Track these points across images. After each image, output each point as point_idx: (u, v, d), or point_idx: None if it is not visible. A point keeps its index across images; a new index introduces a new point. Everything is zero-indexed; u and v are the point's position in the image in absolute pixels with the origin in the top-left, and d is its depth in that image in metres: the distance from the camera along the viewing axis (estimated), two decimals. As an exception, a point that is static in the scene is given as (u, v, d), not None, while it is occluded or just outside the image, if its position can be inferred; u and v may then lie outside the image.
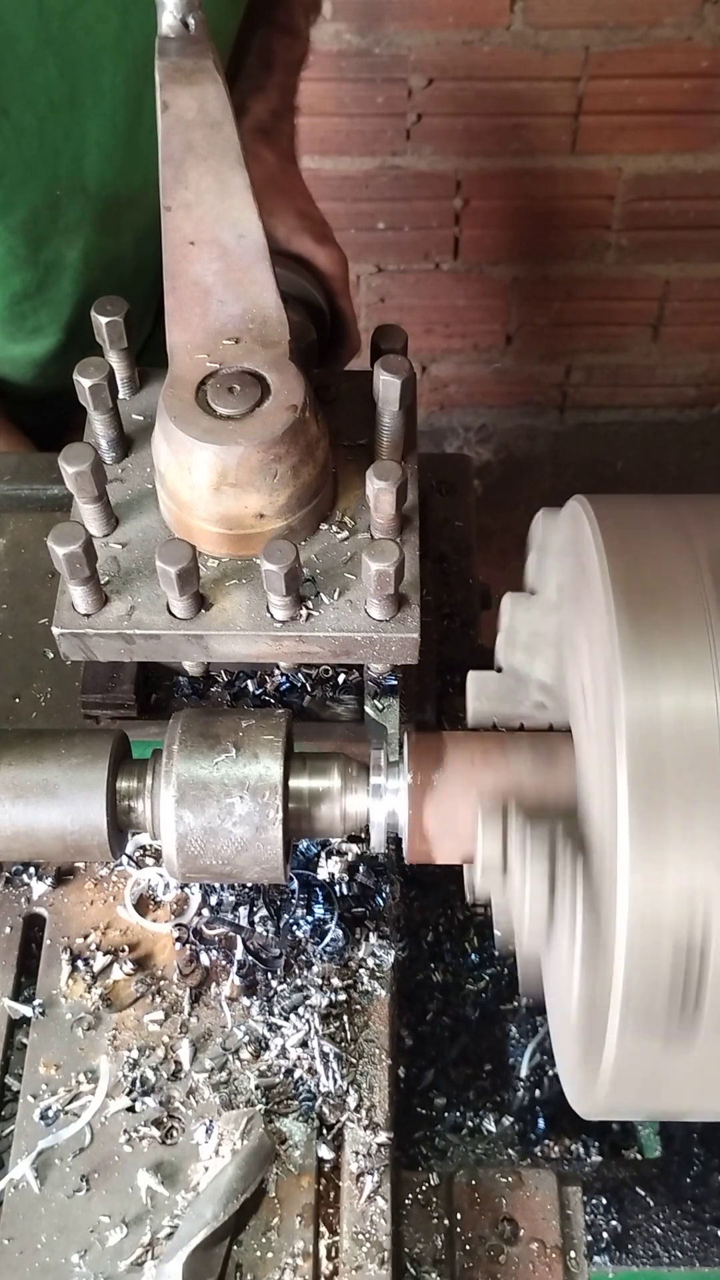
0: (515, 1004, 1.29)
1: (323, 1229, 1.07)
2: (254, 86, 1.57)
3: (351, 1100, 1.12)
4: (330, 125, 2.80)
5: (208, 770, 1.01)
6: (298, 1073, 1.13)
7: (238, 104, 1.50)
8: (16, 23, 1.28)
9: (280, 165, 1.47)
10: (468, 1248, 1.12)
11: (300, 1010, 1.15)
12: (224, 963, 1.18)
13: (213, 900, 1.20)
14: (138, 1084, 1.12)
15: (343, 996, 1.16)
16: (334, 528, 1.13)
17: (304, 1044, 1.14)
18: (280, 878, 1.04)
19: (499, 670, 1.13)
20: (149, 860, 1.23)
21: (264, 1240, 1.06)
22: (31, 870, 1.23)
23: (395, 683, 1.17)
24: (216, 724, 1.04)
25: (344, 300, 1.47)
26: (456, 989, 1.30)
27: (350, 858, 1.19)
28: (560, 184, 2.96)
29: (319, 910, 1.19)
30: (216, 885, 1.21)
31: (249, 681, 1.24)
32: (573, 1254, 1.12)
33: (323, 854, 1.18)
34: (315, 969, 1.17)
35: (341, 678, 1.25)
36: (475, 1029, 1.29)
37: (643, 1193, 1.22)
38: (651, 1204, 1.22)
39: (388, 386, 1.10)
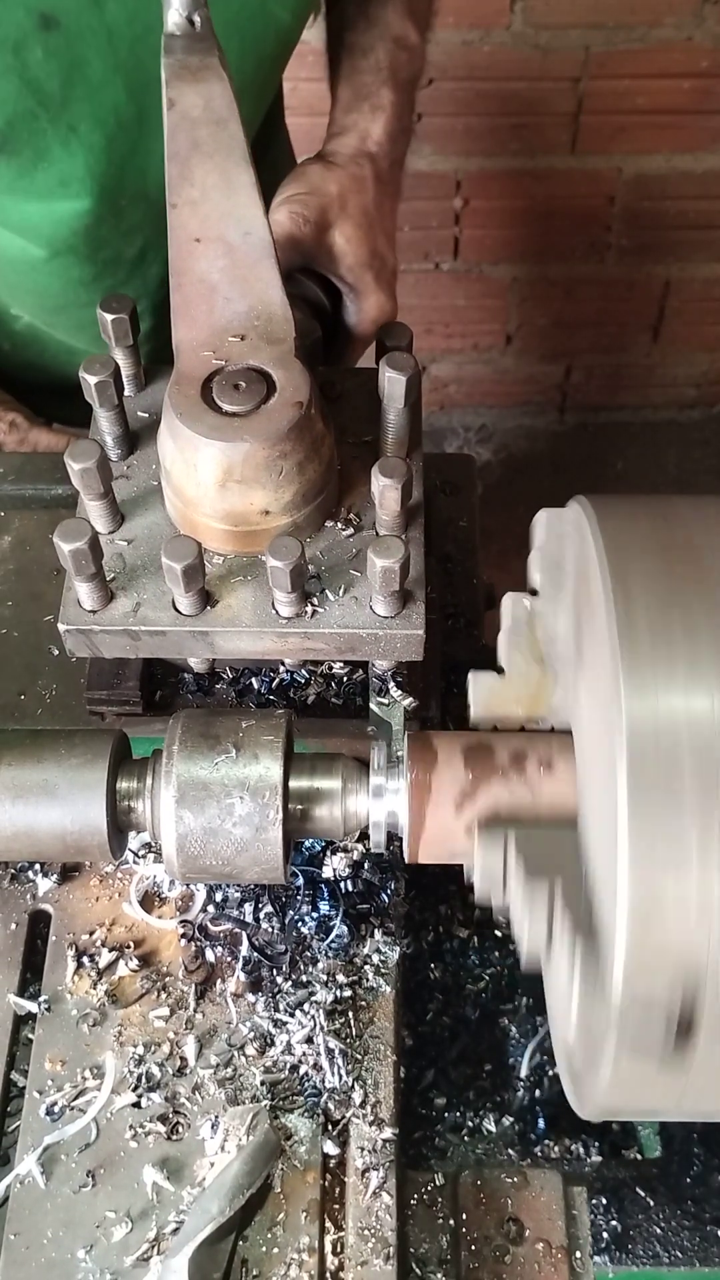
0: (515, 1004, 1.29)
1: (328, 1224, 1.07)
2: (372, 105, 1.51)
3: (357, 1096, 1.12)
4: (331, 125, 2.81)
5: (208, 771, 1.01)
6: (303, 1069, 1.13)
7: (351, 124, 1.47)
8: (86, 49, 1.30)
9: (377, 196, 1.44)
10: (473, 1248, 1.12)
11: (305, 1006, 1.15)
12: (229, 959, 1.18)
13: (218, 897, 1.20)
14: (143, 1080, 1.12)
15: (348, 993, 1.16)
16: (339, 524, 1.13)
17: (309, 1040, 1.14)
18: (280, 878, 1.04)
19: (500, 671, 1.13)
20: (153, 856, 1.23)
21: (269, 1235, 1.06)
22: (37, 867, 1.23)
23: (402, 679, 1.17)
24: (216, 724, 1.04)
25: (358, 349, 1.45)
26: (456, 989, 1.30)
27: (355, 854, 1.19)
28: (560, 184, 2.96)
29: (324, 907, 1.19)
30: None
31: (254, 678, 1.24)
32: (578, 1254, 1.13)
33: (327, 851, 1.19)
34: (320, 965, 1.17)
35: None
36: (475, 1029, 1.28)
37: (643, 1193, 1.22)
38: (651, 1204, 1.22)
39: (393, 383, 1.11)
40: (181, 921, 1.20)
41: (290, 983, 1.17)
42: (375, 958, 1.18)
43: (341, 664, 1.24)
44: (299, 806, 1.03)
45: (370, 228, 1.39)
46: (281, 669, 1.24)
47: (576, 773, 1.02)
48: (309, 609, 1.08)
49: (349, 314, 1.40)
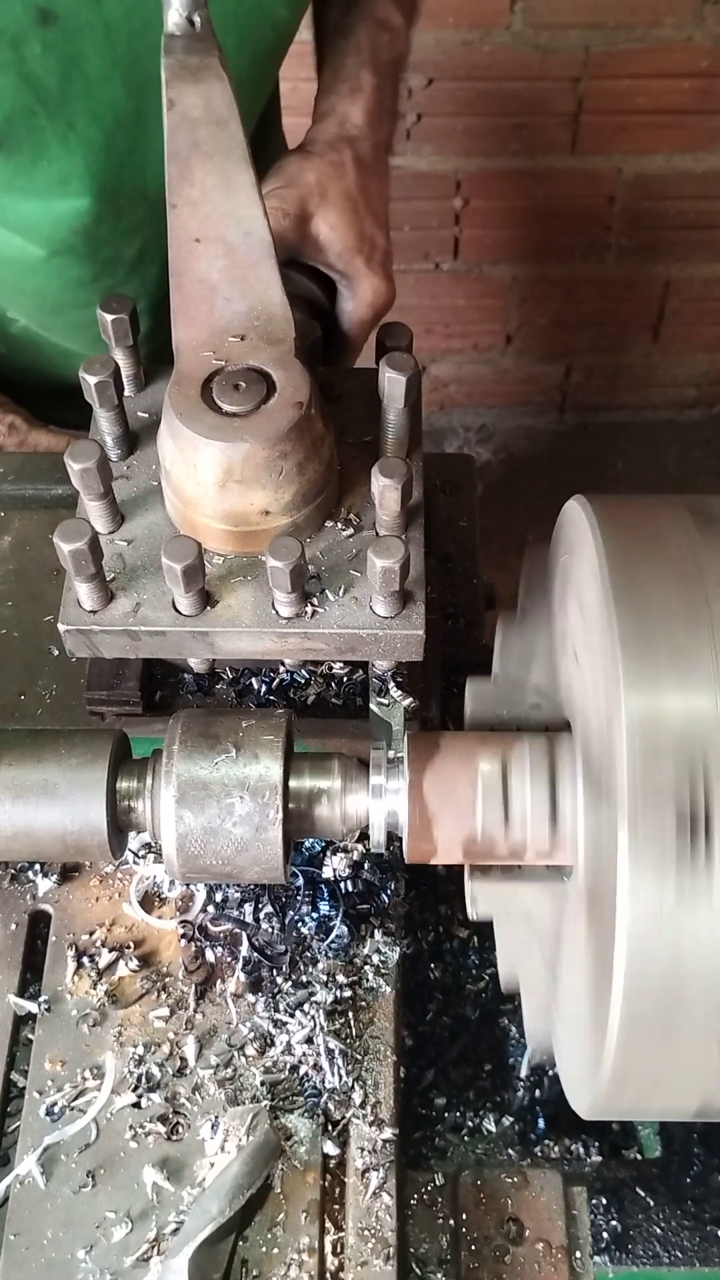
0: (515, 1004, 1.29)
1: (328, 1225, 1.07)
2: (350, 88, 1.48)
3: (357, 1096, 1.12)
4: (331, 125, 2.81)
5: (208, 770, 1.01)
6: (303, 1069, 1.13)
7: (330, 108, 1.44)
8: (84, 44, 1.29)
9: (359, 179, 1.41)
10: (473, 1248, 1.12)
11: (305, 1007, 1.15)
12: (229, 959, 1.18)
13: (218, 897, 1.20)
14: (143, 1080, 1.12)
15: (348, 993, 1.16)
16: (339, 525, 1.13)
17: (309, 1040, 1.14)
18: (280, 878, 1.04)
19: (495, 679, 1.13)
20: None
21: (269, 1236, 1.06)
22: (37, 867, 1.23)
23: (402, 680, 1.17)
24: (216, 724, 1.04)
25: (359, 338, 1.42)
26: (456, 989, 1.30)
27: (355, 855, 1.19)
28: (560, 184, 2.96)
29: (324, 907, 1.19)
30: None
31: (254, 678, 1.24)
32: (578, 1254, 1.13)
33: (327, 851, 1.19)
34: (320, 965, 1.17)
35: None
36: (475, 1029, 1.28)
37: (643, 1193, 1.22)
38: (651, 1204, 1.22)
39: (393, 383, 1.11)
40: (181, 922, 1.20)
41: (290, 983, 1.17)
42: (375, 958, 1.18)
43: (341, 664, 1.24)
44: (299, 806, 1.03)
45: (355, 212, 1.38)
46: (281, 669, 1.24)
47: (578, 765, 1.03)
48: (309, 609, 1.08)
49: (345, 302, 1.38)
